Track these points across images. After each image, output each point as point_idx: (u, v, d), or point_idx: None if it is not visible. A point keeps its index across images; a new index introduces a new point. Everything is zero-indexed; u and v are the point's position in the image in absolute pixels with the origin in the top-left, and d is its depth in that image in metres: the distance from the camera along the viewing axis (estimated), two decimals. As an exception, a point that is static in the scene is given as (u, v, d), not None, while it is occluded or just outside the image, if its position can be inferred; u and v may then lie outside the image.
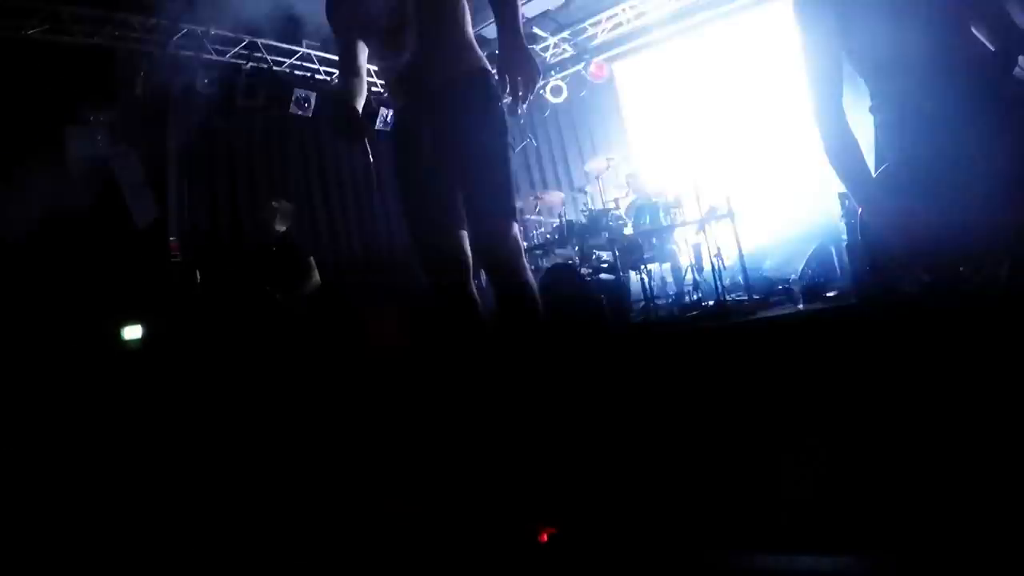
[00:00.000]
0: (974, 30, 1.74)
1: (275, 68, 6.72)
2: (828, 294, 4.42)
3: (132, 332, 4.84)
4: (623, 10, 7.52)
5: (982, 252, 1.67)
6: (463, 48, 2.27)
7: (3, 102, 4.77)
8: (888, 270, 1.82)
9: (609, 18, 7.66)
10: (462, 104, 2.22)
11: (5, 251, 4.52)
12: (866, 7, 1.77)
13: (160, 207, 5.64)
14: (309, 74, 7.14)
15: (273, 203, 5.12)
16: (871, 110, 1.89)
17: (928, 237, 1.69)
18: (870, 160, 1.85)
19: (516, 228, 2.23)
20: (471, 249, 2.29)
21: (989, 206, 1.64)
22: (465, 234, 2.28)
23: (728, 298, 5.05)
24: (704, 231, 5.52)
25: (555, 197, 7.13)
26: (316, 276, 5.04)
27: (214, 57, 6.16)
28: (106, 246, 5.14)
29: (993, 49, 1.71)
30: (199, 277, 5.51)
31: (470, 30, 2.31)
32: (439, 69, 2.22)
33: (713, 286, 5.17)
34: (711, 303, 5.13)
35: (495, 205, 2.18)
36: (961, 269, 1.69)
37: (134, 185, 5.37)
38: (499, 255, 2.20)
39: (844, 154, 1.82)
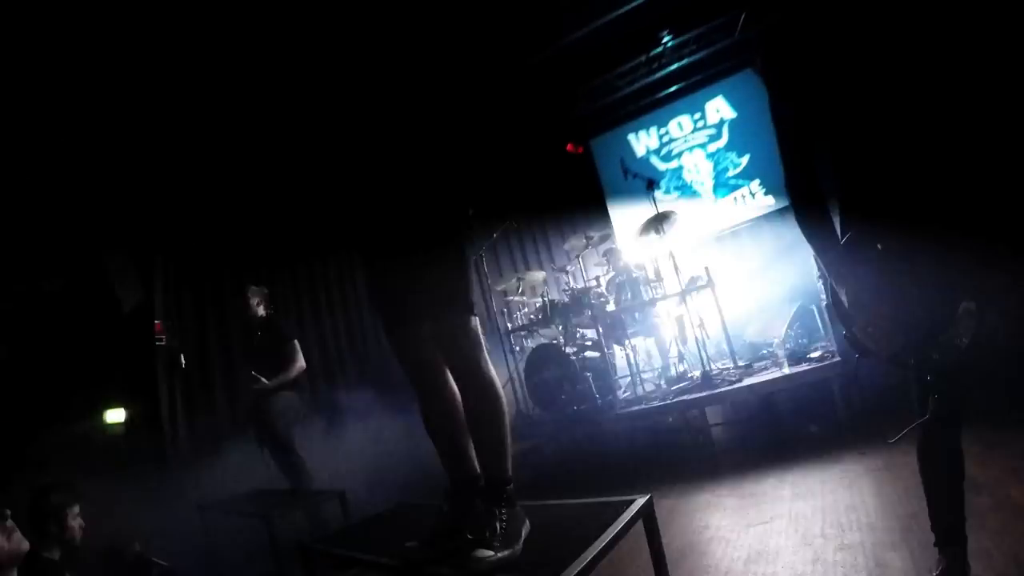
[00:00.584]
0: None
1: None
2: (811, 355, 4.38)
3: (115, 416, 4.81)
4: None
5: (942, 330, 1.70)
6: None
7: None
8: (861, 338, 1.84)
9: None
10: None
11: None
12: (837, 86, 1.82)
13: (146, 290, 5.64)
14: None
15: (246, 290, 5.14)
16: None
17: (889, 314, 1.73)
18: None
19: (474, 322, 2.22)
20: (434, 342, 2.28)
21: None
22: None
23: (713, 367, 5.01)
24: (685, 302, 5.53)
25: (537, 277, 7.16)
26: (301, 360, 4.98)
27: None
28: (91, 328, 5.12)
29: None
30: (183, 361, 5.47)
31: None
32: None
33: (698, 356, 5.12)
34: (697, 374, 5.07)
35: (450, 300, 2.19)
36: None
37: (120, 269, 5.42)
38: (455, 350, 2.19)
39: (811, 220, 1.86)
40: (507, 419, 2.22)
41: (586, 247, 6.74)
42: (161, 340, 5.60)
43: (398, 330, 2.32)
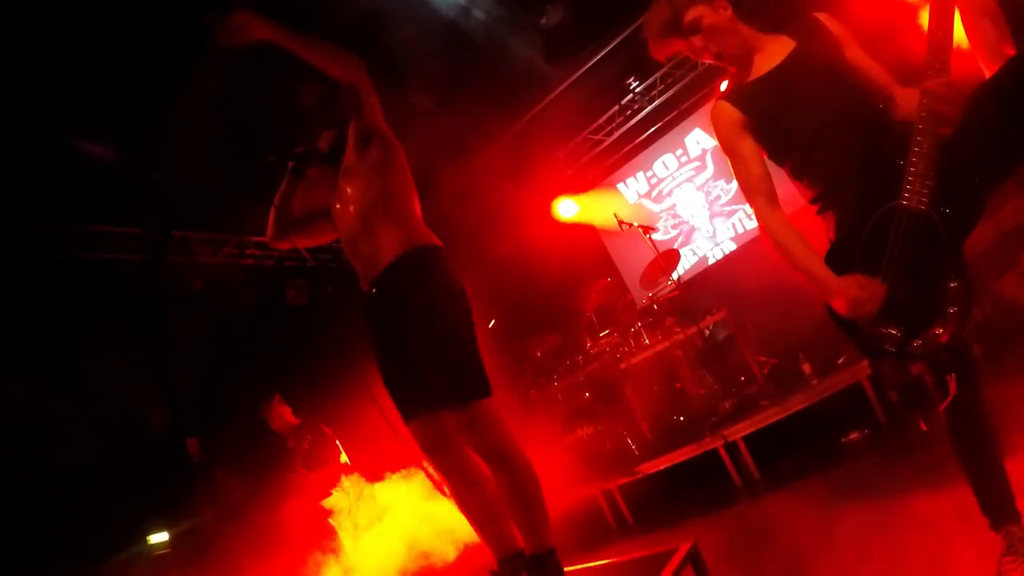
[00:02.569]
0: None
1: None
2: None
3: (158, 538, 4.83)
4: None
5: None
6: (409, 231, 2.43)
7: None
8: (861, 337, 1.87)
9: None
10: (409, 285, 2.33)
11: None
12: (773, 119, 1.97)
13: (172, 409, 5.70)
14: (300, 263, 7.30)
15: (262, 408, 5.24)
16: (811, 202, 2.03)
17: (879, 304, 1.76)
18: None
19: (492, 403, 2.22)
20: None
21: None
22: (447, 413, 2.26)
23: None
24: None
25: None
26: (344, 458, 5.13)
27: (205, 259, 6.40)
28: (126, 453, 5.17)
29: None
30: (218, 474, 5.50)
31: (416, 213, 2.52)
32: (386, 257, 2.37)
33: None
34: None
35: (464, 385, 2.21)
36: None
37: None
38: (481, 439, 2.19)
39: (790, 248, 1.92)
40: (540, 490, 2.20)
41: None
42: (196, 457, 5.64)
43: (417, 419, 2.29)
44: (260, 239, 6.44)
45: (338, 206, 2.53)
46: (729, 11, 2.00)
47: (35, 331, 5.07)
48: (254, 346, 6.62)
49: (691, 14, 1.97)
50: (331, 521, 4.86)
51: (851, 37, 2.01)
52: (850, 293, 1.77)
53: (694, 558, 2.23)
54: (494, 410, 2.22)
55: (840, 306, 1.80)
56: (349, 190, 2.48)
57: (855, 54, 1.99)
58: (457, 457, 2.27)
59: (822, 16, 2.03)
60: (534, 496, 2.19)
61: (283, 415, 5.26)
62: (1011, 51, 1.67)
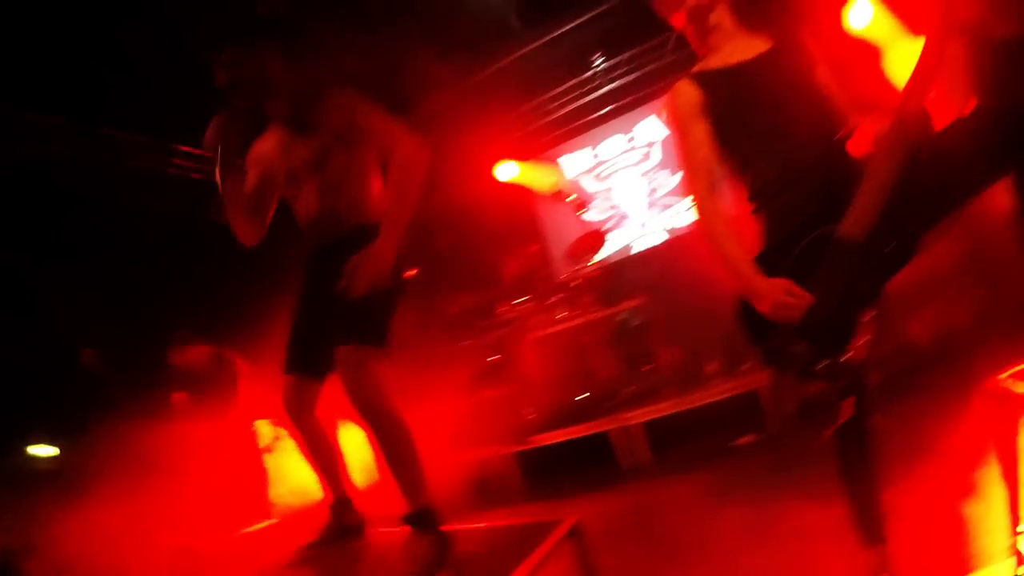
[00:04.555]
0: None
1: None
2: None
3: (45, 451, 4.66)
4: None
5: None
6: (361, 203, 2.47)
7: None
8: (769, 346, 1.93)
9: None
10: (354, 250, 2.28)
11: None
12: (730, 110, 1.98)
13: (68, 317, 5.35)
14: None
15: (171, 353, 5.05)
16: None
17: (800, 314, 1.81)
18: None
19: (380, 356, 2.24)
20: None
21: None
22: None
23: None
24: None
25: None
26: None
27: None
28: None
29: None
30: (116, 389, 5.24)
31: (375, 186, 2.53)
32: (339, 223, 2.44)
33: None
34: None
35: (360, 327, 2.23)
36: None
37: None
38: (354, 381, 2.17)
39: (719, 239, 1.94)
40: (415, 451, 2.19)
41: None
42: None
43: (293, 375, 2.47)
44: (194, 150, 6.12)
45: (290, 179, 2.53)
46: None
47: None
48: (168, 263, 6.30)
49: None
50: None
51: (824, 59, 2.05)
52: (777, 296, 1.81)
53: (576, 533, 2.26)
54: (379, 365, 2.22)
55: (764, 307, 1.85)
56: (302, 168, 2.46)
57: (825, 75, 2.03)
58: (308, 421, 2.49)
59: (803, 30, 2.06)
60: (408, 456, 2.18)
61: (193, 353, 5.02)
62: (972, 103, 1.74)
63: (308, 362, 2.46)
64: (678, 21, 2.11)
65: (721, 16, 2.04)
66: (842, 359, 1.81)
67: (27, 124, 4.86)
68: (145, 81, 4.61)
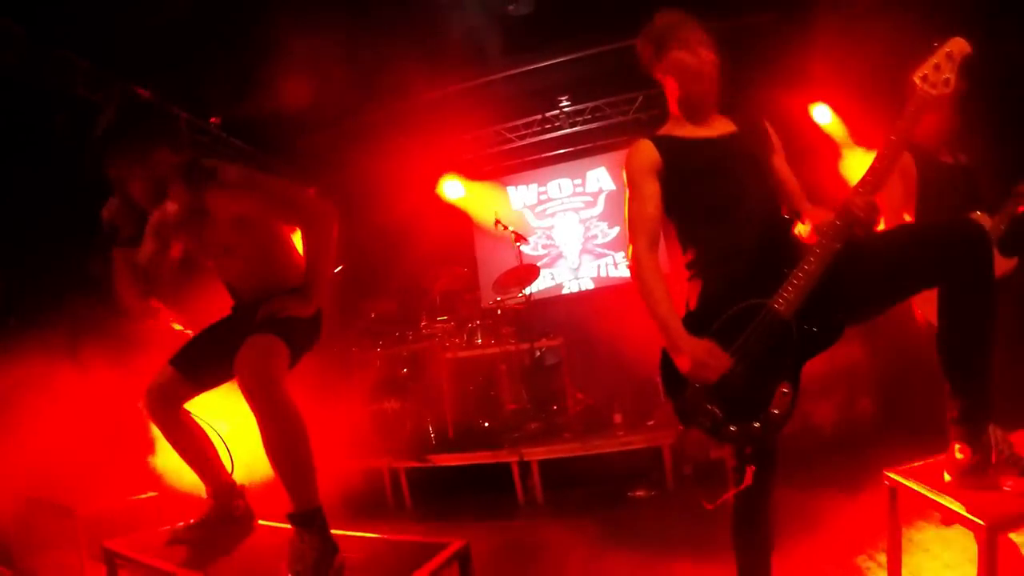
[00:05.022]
0: None
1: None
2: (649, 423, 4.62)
3: None
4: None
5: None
6: (279, 272, 2.51)
7: None
8: (683, 403, 1.99)
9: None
10: None
11: None
12: (683, 179, 2.07)
13: None
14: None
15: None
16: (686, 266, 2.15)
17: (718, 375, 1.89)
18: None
19: (282, 351, 2.22)
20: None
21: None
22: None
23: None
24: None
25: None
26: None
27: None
28: None
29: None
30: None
31: (291, 251, 2.57)
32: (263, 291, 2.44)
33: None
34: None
35: (270, 322, 2.24)
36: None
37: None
38: (249, 367, 2.13)
39: (653, 293, 2.00)
40: (309, 451, 2.13)
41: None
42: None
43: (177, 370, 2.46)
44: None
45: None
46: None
47: None
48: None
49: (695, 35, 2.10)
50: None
51: (781, 148, 2.19)
52: (698, 355, 1.89)
53: (462, 558, 2.24)
54: (281, 359, 2.22)
55: (683, 364, 1.92)
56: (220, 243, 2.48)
57: (781, 163, 2.17)
58: (172, 414, 2.48)
59: (766, 121, 2.20)
60: (300, 450, 2.11)
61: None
62: (910, 216, 1.90)
63: (198, 367, 2.48)
64: (661, 75, 2.19)
65: (710, 91, 2.14)
66: (751, 427, 1.90)
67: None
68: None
